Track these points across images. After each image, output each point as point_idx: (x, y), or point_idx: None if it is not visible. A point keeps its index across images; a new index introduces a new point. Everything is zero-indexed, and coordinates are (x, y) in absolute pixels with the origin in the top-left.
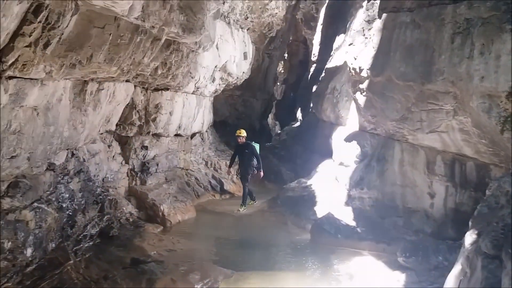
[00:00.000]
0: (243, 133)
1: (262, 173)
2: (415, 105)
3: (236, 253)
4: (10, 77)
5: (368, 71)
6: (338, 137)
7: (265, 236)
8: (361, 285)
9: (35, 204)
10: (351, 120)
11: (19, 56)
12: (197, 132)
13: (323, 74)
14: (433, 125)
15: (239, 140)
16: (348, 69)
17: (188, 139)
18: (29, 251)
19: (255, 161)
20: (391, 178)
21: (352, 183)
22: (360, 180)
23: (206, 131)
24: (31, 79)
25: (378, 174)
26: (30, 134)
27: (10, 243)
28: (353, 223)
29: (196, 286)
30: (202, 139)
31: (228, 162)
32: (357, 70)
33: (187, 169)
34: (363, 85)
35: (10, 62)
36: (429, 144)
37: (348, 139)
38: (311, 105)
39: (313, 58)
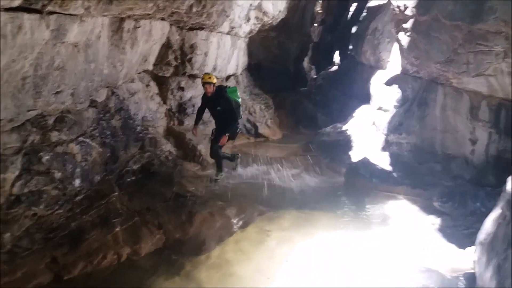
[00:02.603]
0: (213, 79)
1: (226, 138)
2: (462, 46)
3: (271, 193)
4: (51, 12)
5: (414, 9)
6: (377, 81)
7: (299, 178)
8: (394, 228)
9: (80, 138)
10: (391, 63)
11: None
12: (231, 75)
13: (364, 14)
14: (480, 68)
15: (207, 89)
16: (391, 7)
17: (223, 81)
18: (77, 182)
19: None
20: (431, 123)
21: (390, 128)
22: (399, 125)
23: (241, 74)
24: (71, 15)
25: (418, 119)
26: (73, 70)
27: (60, 173)
28: (389, 168)
29: (233, 219)
30: (236, 82)
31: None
32: (402, 8)
33: None
34: (407, 25)
35: None
36: (475, 88)
37: (389, 82)
38: (350, 47)
39: None
